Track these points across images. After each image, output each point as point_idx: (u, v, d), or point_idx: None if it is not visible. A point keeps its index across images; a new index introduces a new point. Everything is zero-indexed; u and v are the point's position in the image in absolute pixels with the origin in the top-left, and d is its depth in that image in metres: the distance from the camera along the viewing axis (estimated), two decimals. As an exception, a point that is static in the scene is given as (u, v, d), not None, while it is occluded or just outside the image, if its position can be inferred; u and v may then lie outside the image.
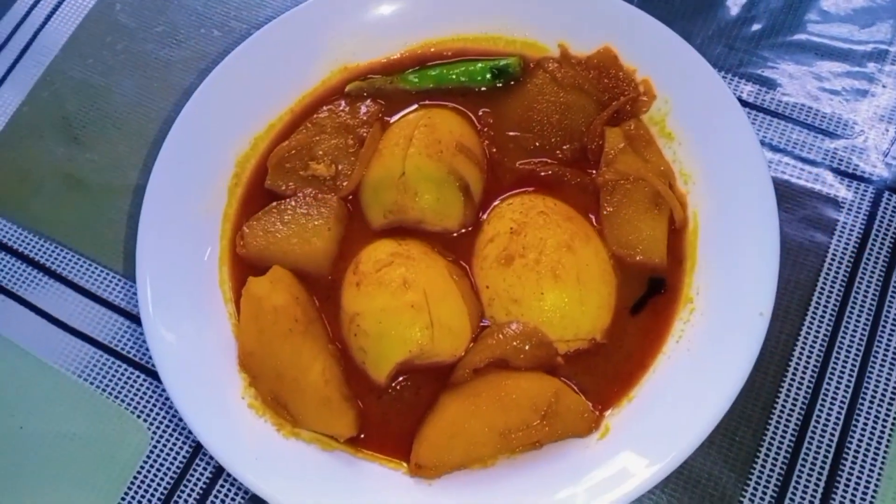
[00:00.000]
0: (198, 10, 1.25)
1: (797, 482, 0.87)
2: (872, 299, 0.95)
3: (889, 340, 0.93)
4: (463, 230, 0.94)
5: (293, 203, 0.95)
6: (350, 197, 0.97)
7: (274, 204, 0.95)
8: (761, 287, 0.81)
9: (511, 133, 0.99)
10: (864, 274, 0.97)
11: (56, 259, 1.08)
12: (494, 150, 0.98)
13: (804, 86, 1.08)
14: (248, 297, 0.87)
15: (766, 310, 0.80)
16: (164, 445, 0.95)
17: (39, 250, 1.09)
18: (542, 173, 0.96)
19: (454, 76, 1.02)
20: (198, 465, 0.94)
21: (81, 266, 1.07)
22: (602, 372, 0.86)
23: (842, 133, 1.05)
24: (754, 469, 0.87)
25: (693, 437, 0.76)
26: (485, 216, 0.95)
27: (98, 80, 1.20)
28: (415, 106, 1.02)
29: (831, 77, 1.09)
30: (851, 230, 0.99)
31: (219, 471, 0.93)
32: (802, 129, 1.06)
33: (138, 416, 0.97)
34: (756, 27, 1.14)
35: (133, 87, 1.19)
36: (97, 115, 1.17)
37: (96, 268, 1.07)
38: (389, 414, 0.87)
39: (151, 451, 0.94)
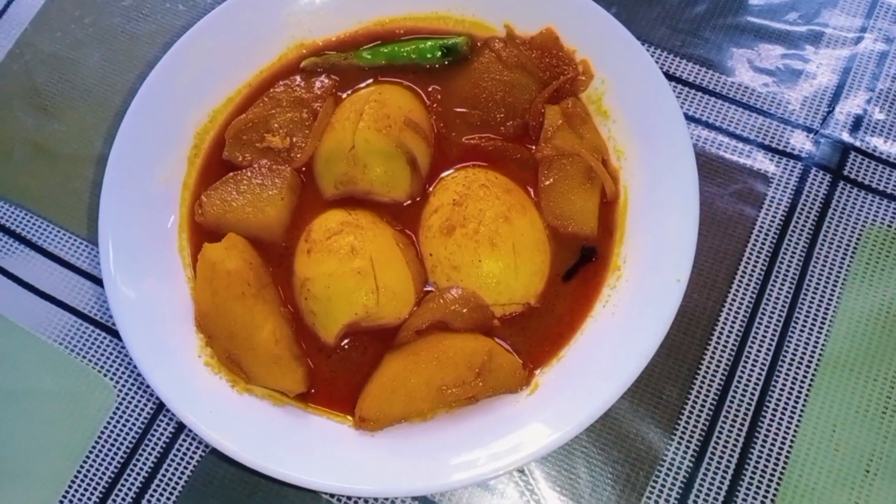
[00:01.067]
0: (164, -17, 1.26)
1: (718, 437, 0.92)
2: (795, 269, 1.01)
3: (809, 308, 0.99)
4: (410, 201, 0.98)
5: (249, 173, 0.98)
6: (303, 168, 1.00)
7: (231, 174, 0.98)
8: (679, 255, 0.85)
9: (458, 109, 1.02)
10: (789, 246, 1.02)
11: (25, 225, 1.12)
12: (442, 125, 1.02)
13: (742, 66, 1.13)
14: (204, 262, 0.90)
15: (683, 276, 0.84)
16: (130, 403, 0.99)
17: (9, 217, 1.13)
18: (487, 148, 1.00)
19: (405, 53, 1.05)
20: (160, 422, 0.99)
21: (49, 232, 1.11)
22: (535, 333, 0.91)
23: (775, 112, 1.09)
24: (678, 425, 0.93)
25: (613, 390, 0.81)
26: (431, 188, 0.98)
27: (66, 52, 1.23)
28: (368, 81, 1.06)
29: (769, 58, 1.13)
30: (779, 204, 1.04)
31: (180, 427, 0.98)
32: (738, 108, 1.10)
33: (104, 375, 1.02)
34: (699, 9, 1.18)
35: (100, 59, 1.22)
36: (65, 86, 1.20)
37: (63, 233, 1.11)
38: (337, 372, 0.91)
39: (117, 409, 0.99)
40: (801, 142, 1.07)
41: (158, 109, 1.00)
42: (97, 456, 0.98)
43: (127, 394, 0.99)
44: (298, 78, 1.05)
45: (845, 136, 1.07)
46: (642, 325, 0.84)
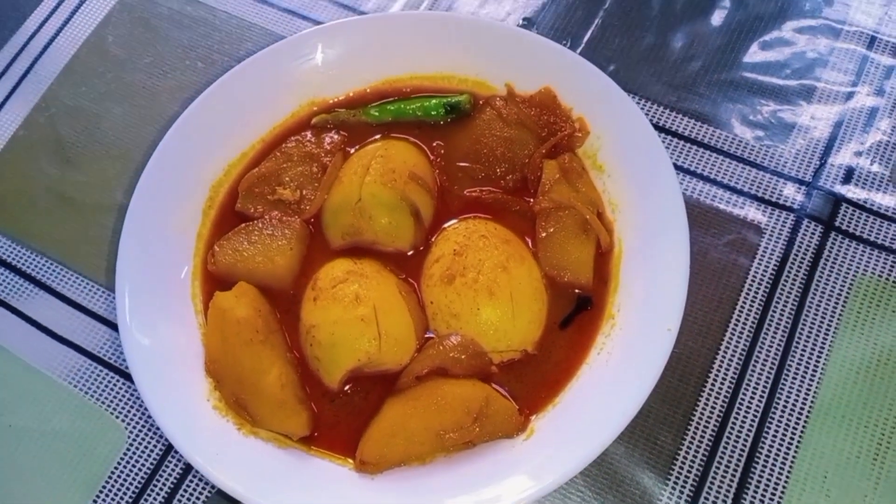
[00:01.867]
0: (183, 43, 1.33)
1: (712, 482, 0.93)
2: (788, 318, 1.02)
3: (801, 356, 1.00)
4: (413, 251, 1.01)
5: (260, 224, 1.01)
6: (312, 220, 1.03)
7: (242, 225, 1.01)
8: (670, 305, 0.87)
9: (461, 163, 1.06)
10: (781, 295, 1.04)
11: (46, 271, 1.16)
12: (445, 178, 1.04)
13: (736, 120, 1.14)
14: (215, 310, 0.93)
15: (674, 326, 0.86)
16: (140, 444, 1.01)
17: (31, 263, 1.17)
18: (487, 200, 1.02)
19: (411, 110, 1.09)
20: (169, 463, 1.01)
21: (69, 278, 1.15)
22: (532, 380, 0.92)
23: (768, 164, 1.12)
24: (673, 470, 0.93)
25: (606, 435, 0.83)
26: (433, 239, 1.01)
27: (90, 106, 1.27)
28: (376, 137, 1.10)
29: (762, 112, 1.17)
30: (771, 254, 1.06)
31: (187, 468, 1.00)
32: (732, 161, 1.13)
33: (116, 417, 1.03)
34: (695, 65, 1.22)
35: (122, 113, 1.25)
36: (88, 139, 1.23)
37: (82, 280, 1.15)
38: (340, 416, 0.93)
39: (128, 450, 1.01)
40: (793, 193, 1.10)
41: (176, 163, 1.04)
42: (107, 495, 1.00)
43: (137, 435, 1.01)
44: (309, 134, 1.08)
45: (837, 188, 1.10)
46: (635, 373, 0.86)
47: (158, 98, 1.27)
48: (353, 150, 1.07)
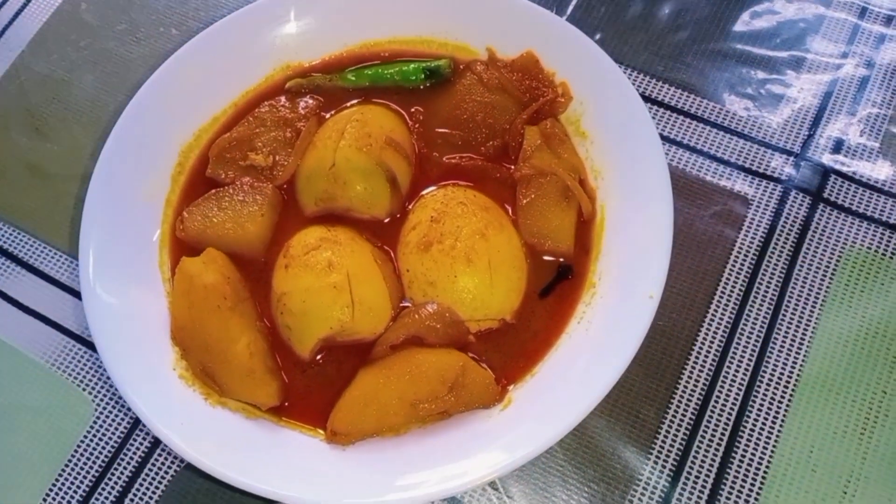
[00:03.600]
0: (158, 9, 1.30)
1: (695, 457, 0.92)
2: (774, 290, 1.00)
3: (787, 329, 0.98)
4: (390, 218, 0.99)
5: (231, 190, 0.99)
6: (285, 186, 1.02)
7: (213, 191, 1.00)
8: (652, 272, 0.86)
9: (440, 130, 1.04)
10: (768, 267, 1.02)
11: (14, 241, 1.14)
12: (423, 144, 1.03)
13: (724, 91, 1.13)
14: (181, 275, 0.91)
15: (656, 292, 0.84)
16: (107, 418, 1.00)
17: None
18: (467, 167, 1.01)
19: (389, 75, 1.07)
20: (137, 436, 0.98)
21: (36, 248, 1.12)
22: (510, 349, 0.91)
23: (756, 135, 1.09)
24: (655, 444, 0.92)
25: (585, 405, 0.81)
26: (410, 206, 0.99)
27: (61, 74, 1.25)
28: (352, 102, 1.07)
29: (750, 83, 1.14)
30: (758, 226, 1.04)
31: (156, 442, 0.98)
32: (719, 131, 1.11)
33: (83, 390, 1.02)
34: (682, 35, 1.20)
35: (93, 81, 1.24)
36: (59, 107, 1.22)
37: (48, 249, 1.12)
38: (312, 386, 0.91)
39: (95, 422, 0.99)
40: (781, 165, 1.08)
41: (145, 127, 1.02)
42: (72, 470, 0.98)
43: (105, 408, 1.00)
44: (283, 98, 1.06)
45: (825, 160, 1.08)
46: (615, 341, 0.84)
47: (131, 66, 1.25)
48: (328, 116, 1.06)
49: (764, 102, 1.13)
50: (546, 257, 0.96)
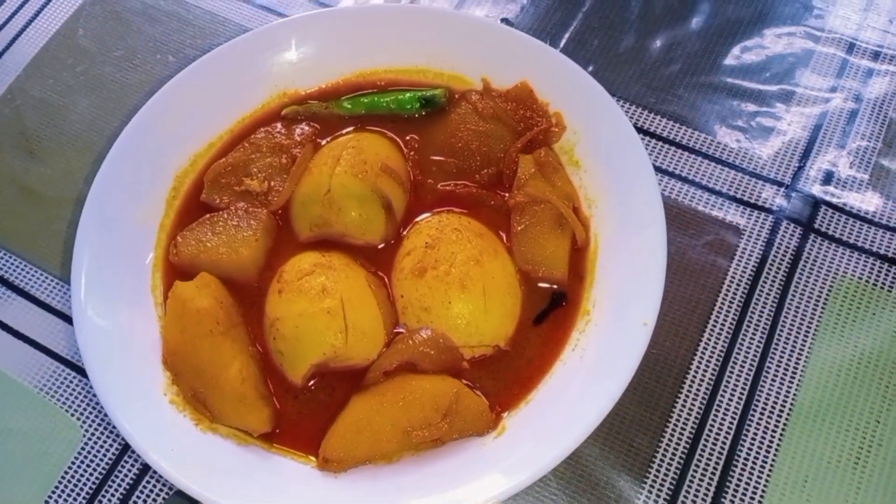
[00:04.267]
0: (155, 37, 1.31)
1: (689, 486, 0.91)
2: (767, 319, 1.01)
3: (780, 357, 0.97)
4: (384, 244, 0.99)
5: (225, 215, 0.99)
6: (280, 211, 1.01)
7: (207, 216, 0.99)
8: (646, 300, 0.86)
9: (435, 157, 1.04)
10: (760, 296, 1.02)
11: (3, 264, 1.13)
12: (418, 171, 1.03)
13: (715, 123, 1.14)
14: (174, 299, 0.90)
15: (650, 320, 0.84)
16: (96, 443, 0.98)
17: (-11, 257, 1.13)
18: (461, 194, 1.01)
19: (385, 103, 1.07)
20: (126, 462, 0.96)
21: (26, 272, 1.11)
22: (504, 376, 0.90)
23: (747, 166, 1.10)
24: (649, 473, 0.91)
25: (579, 433, 0.80)
26: (405, 232, 0.99)
27: (57, 99, 1.25)
28: (348, 129, 1.08)
29: (741, 115, 1.16)
30: (750, 255, 1.04)
31: (145, 468, 0.96)
32: (711, 162, 1.12)
33: (72, 415, 1.00)
34: (674, 68, 1.21)
35: (89, 106, 1.23)
36: (54, 131, 1.21)
37: (41, 273, 1.11)
38: (303, 413, 0.90)
39: (83, 448, 0.97)
40: (772, 196, 1.09)
41: (140, 151, 1.02)
42: (60, 495, 0.96)
43: (94, 434, 0.98)
44: (279, 125, 1.06)
45: (816, 191, 1.09)
46: (609, 369, 0.84)
47: (127, 91, 1.25)
48: (324, 142, 1.06)
49: (755, 134, 1.14)
50: (540, 284, 0.96)
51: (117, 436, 0.98)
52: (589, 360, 0.87)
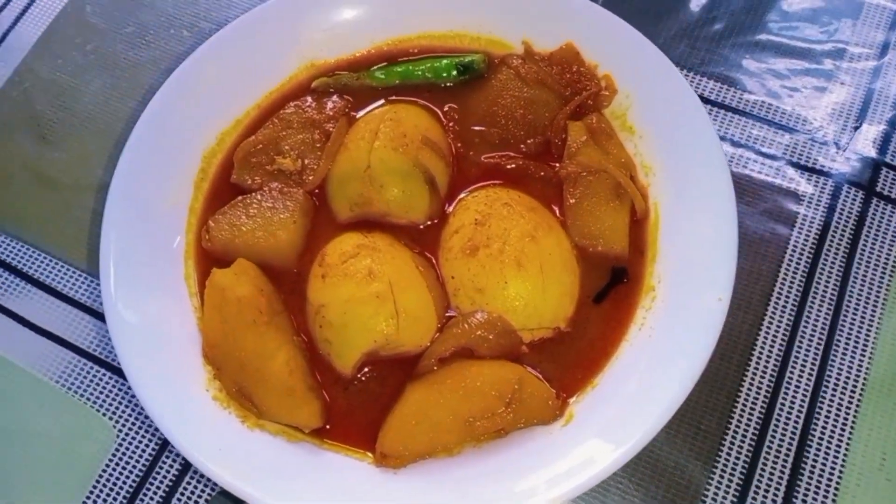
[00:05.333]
0: (168, 10, 1.25)
1: (762, 469, 0.87)
2: (833, 289, 0.96)
3: (850, 329, 0.94)
4: (429, 222, 0.94)
5: (259, 197, 0.94)
6: (316, 191, 0.97)
7: (240, 198, 0.95)
8: (719, 273, 0.82)
9: (476, 128, 0.99)
10: (825, 265, 0.98)
11: (21, 257, 1.07)
12: (460, 144, 0.99)
13: (764, 83, 1.09)
14: (212, 288, 0.86)
15: (725, 295, 0.80)
16: (131, 443, 0.94)
17: (6, 249, 1.08)
18: (507, 166, 0.97)
19: (420, 72, 1.03)
20: (164, 462, 0.93)
21: (48, 265, 1.06)
22: (566, 360, 0.86)
23: (801, 128, 1.06)
24: (720, 457, 0.88)
25: (655, 420, 0.76)
26: (450, 209, 0.95)
27: (67, 79, 1.20)
28: (381, 101, 1.02)
29: (791, 75, 1.10)
30: (811, 223, 1.00)
31: (185, 467, 0.92)
32: (763, 125, 1.07)
33: (104, 415, 0.96)
34: (717, 27, 1.15)
35: (102, 86, 1.19)
36: (66, 114, 1.17)
37: (61, 265, 1.06)
38: (355, 405, 0.86)
39: (118, 449, 0.94)
40: (829, 158, 1.04)
41: (164, 131, 0.97)
42: (97, 499, 0.92)
43: (128, 434, 0.94)
44: (309, 99, 1.02)
45: (874, 153, 1.04)
46: (683, 348, 0.80)
47: (141, 70, 1.20)
48: (358, 116, 1.01)
49: (806, 94, 1.09)
50: (598, 260, 0.92)
51: (153, 434, 0.94)
52: (659, 340, 0.83)
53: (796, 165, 1.04)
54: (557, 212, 0.94)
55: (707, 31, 1.14)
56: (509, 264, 0.85)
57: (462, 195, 0.96)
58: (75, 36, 1.24)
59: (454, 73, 1.02)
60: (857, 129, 1.05)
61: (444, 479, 0.80)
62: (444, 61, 1.02)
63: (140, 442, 0.94)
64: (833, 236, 0.99)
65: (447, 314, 0.89)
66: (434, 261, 0.92)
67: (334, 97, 1.02)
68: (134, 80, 1.19)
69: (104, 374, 0.98)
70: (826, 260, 0.98)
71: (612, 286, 0.90)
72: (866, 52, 1.11)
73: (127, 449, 0.94)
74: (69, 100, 1.18)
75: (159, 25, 1.24)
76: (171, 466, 0.92)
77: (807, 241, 0.99)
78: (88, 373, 0.98)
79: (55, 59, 1.22)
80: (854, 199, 1.01)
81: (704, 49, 1.13)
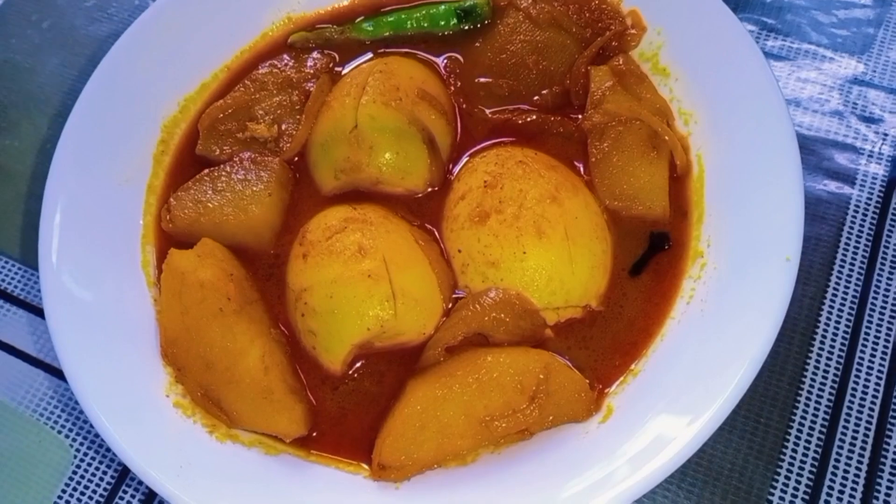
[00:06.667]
0: (134, -20, 1.20)
1: (835, 467, 0.78)
2: (905, 253, 0.88)
3: None
4: (429, 190, 0.86)
5: (228, 168, 0.87)
6: (296, 159, 0.90)
7: (206, 171, 0.88)
8: (785, 228, 0.72)
9: (481, 79, 0.92)
10: (894, 226, 0.90)
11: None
12: (462, 99, 0.92)
13: (807, 26, 1.03)
14: (170, 272, 0.78)
15: (794, 253, 0.71)
16: (89, 465, 0.86)
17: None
18: (520, 121, 0.89)
19: (414, 21, 0.95)
20: (128, 486, 0.84)
21: (2, 266, 0.99)
22: (600, 344, 0.78)
23: (852, 75, 0.98)
24: (784, 455, 0.80)
25: (712, 414, 0.67)
26: (454, 173, 0.87)
27: (21, 60, 1.14)
28: (369, 55, 0.96)
29: (836, 18, 1.03)
30: (875, 178, 0.93)
31: (151, 494, 0.83)
32: (809, 72, 1.00)
33: (59, 433, 0.87)
34: (751, -32, 1.09)
35: (59, 64, 1.13)
36: (20, 97, 1.11)
37: (11, 264, 0.99)
38: (347, 407, 0.78)
39: (75, 472, 0.85)
40: (889, 106, 0.97)
41: (116, 98, 0.90)
42: (48, 533, 0.83)
43: (86, 454, 0.86)
44: (286, 57, 0.95)
45: (942, 96, 0.97)
46: (745, 322, 0.70)
47: (103, 45, 1.14)
48: (344, 71, 0.94)
49: (855, 35, 1.02)
50: (634, 225, 0.83)
51: (114, 454, 0.83)
52: (713, 313, 0.74)
53: (852, 115, 0.97)
54: (582, 170, 0.86)
55: (740, -27, 1.07)
56: (527, 231, 0.77)
57: (467, 157, 0.88)
58: (31, 13, 1.20)
59: (453, 20, 0.95)
60: (918, 69, 0.98)
61: (456, 493, 0.71)
62: (443, 7, 0.95)
63: (100, 464, 0.85)
64: (901, 193, 0.91)
65: (455, 295, 0.81)
66: (437, 234, 0.84)
67: (315, 53, 0.95)
68: (94, 57, 1.11)
69: (59, 385, 0.90)
70: (895, 219, 0.90)
71: (651, 254, 0.82)
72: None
73: (85, 472, 0.86)
74: (23, 81, 1.12)
75: (124, -4, 1.18)
76: (137, 490, 0.83)
77: (870, 199, 0.91)
78: (35, 381, 0.90)
79: (8, 38, 1.19)
80: (921, 151, 0.93)
81: (738, -7, 1.06)
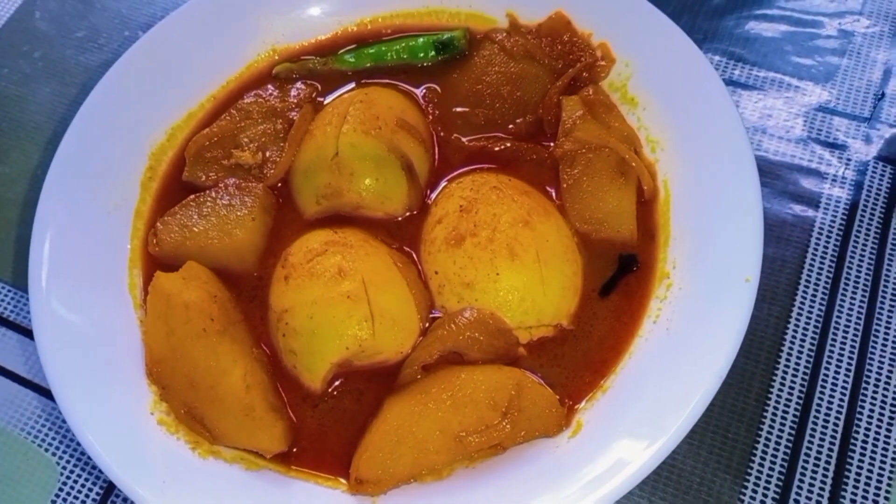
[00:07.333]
0: (122, 12, 1.20)
1: (801, 480, 0.79)
2: (867, 272, 0.90)
3: (889, 316, 0.86)
4: (408, 214, 0.88)
5: (213, 194, 0.88)
6: (279, 185, 0.91)
7: (192, 196, 0.89)
8: (744, 251, 0.75)
9: (458, 109, 0.93)
10: (856, 247, 0.91)
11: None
12: (440, 127, 0.94)
13: (774, 57, 1.04)
14: (156, 294, 0.79)
15: (753, 275, 0.73)
16: (76, 482, 0.85)
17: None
18: (495, 149, 0.91)
19: (394, 53, 0.97)
20: (115, 501, 0.84)
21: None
22: (571, 361, 0.80)
23: (817, 103, 1.00)
24: (751, 469, 0.80)
25: (678, 427, 0.69)
26: (432, 198, 0.89)
27: (13, 90, 1.15)
28: (351, 85, 0.98)
29: (802, 46, 1.05)
30: (837, 202, 0.94)
31: (141, 507, 0.83)
32: (775, 101, 1.01)
33: (45, 450, 0.87)
34: (719, 0, 1.09)
35: (50, 94, 1.14)
36: (11, 125, 1.12)
37: (7, 289, 0.99)
38: (326, 425, 0.79)
39: (61, 489, 0.85)
40: (852, 132, 0.98)
41: (106, 126, 0.91)
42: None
43: (72, 471, 0.86)
44: (271, 87, 0.97)
45: (902, 123, 0.98)
46: (708, 340, 0.72)
47: (92, 75, 1.14)
48: (326, 101, 0.96)
49: (821, 66, 1.03)
50: (603, 247, 0.85)
51: (101, 472, 0.84)
52: (678, 332, 0.76)
53: (815, 141, 0.98)
54: (554, 195, 0.87)
55: (708, 4, 1.09)
56: (501, 253, 0.78)
57: (444, 182, 0.90)
58: (22, 44, 1.20)
59: (432, 52, 0.96)
60: (879, 100, 1.00)
61: (433, 507, 0.70)
62: (421, 40, 0.97)
63: (86, 481, 0.85)
64: (863, 216, 0.93)
65: (431, 315, 0.82)
66: (415, 256, 0.86)
67: (299, 84, 0.97)
68: (84, 87, 1.14)
69: (47, 404, 0.90)
70: (857, 242, 0.91)
71: (620, 276, 0.83)
72: (880, 19, 1.06)
73: (71, 490, 0.85)
74: (14, 110, 1.13)
75: (112, 28, 1.19)
76: (123, 508, 0.83)
77: (833, 222, 0.92)
78: (24, 401, 0.91)
79: (0, 69, 1.17)
80: (883, 175, 0.95)
81: (707, 24, 1.08)
